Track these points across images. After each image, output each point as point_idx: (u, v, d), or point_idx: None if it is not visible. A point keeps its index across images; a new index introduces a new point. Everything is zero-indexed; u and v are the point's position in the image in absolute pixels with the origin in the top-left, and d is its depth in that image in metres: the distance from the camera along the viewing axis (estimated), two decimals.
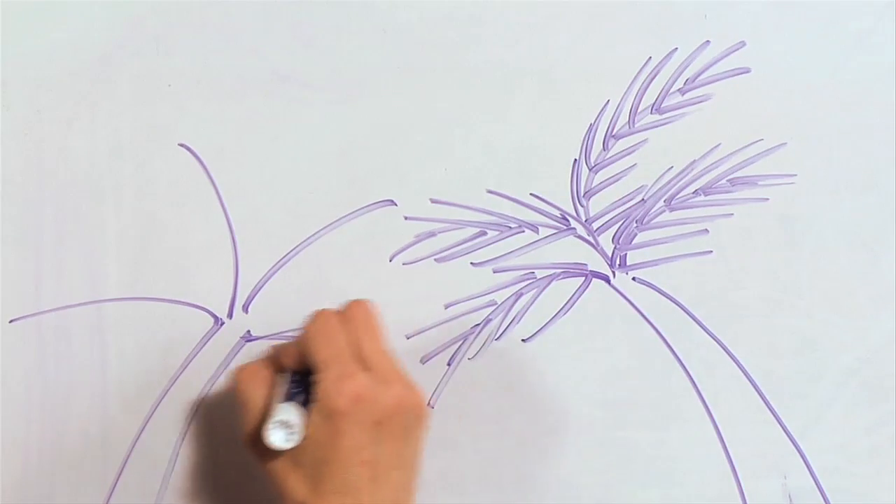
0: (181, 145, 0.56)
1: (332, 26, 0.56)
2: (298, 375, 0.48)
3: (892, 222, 0.56)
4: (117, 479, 0.55)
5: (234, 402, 0.55)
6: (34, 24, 0.56)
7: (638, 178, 0.56)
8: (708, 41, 0.56)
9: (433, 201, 0.56)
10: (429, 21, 0.56)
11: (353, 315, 0.48)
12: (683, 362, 0.55)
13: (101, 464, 0.55)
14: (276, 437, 0.45)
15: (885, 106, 0.56)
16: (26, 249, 0.56)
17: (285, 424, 0.45)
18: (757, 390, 0.55)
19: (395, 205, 0.56)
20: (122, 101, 0.56)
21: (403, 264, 0.56)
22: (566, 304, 0.56)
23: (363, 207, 0.56)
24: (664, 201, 0.56)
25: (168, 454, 0.55)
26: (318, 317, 0.48)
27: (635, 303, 0.56)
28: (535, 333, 0.56)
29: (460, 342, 0.55)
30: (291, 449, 0.45)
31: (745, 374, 0.55)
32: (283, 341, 0.55)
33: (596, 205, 0.56)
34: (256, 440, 0.46)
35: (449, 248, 0.56)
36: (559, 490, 0.55)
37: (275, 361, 0.49)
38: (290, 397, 0.47)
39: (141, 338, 0.56)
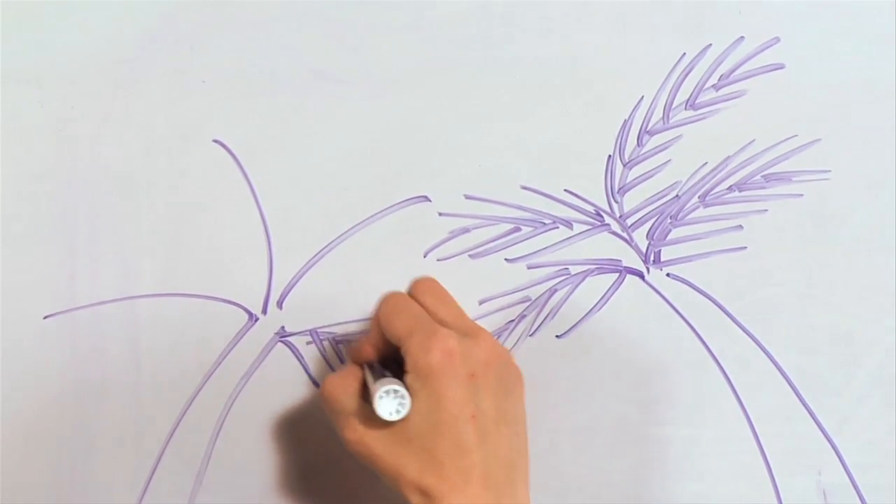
0: (215, 141, 0.56)
1: (366, 23, 0.56)
2: (381, 365, 0.48)
3: None
4: (151, 477, 0.55)
5: (268, 399, 0.55)
6: (67, 20, 0.56)
7: (672, 174, 0.56)
8: (742, 37, 0.56)
9: (467, 197, 0.56)
10: (463, 17, 0.56)
11: (421, 289, 0.49)
12: (717, 358, 0.55)
13: (135, 461, 0.55)
14: (386, 409, 0.44)
15: None
16: (60, 246, 0.56)
17: (393, 393, 0.44)
18: (791, 386, 0.55)
19: (429, 201, 0.56)
20: (156, 97, 0.56)
21: (437, 260, 0.56)
22: (600, 300, 0.56)
23: (397, 203, 0.56)
24: (698, 197, 0.56)
25: (202, 451, 0.55)
26: (388, 296, 0.49)
27: (669, 299, 0.56)
28: (570, 329, 0.56)
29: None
30: (398, 427, 0.44)
31: (779, 371, 0.55)
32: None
33: (630, 201, 0.56)
34: (360, 437, 0.46)
35: (483, 245, 0.56)
36: (592, 487, 0.55)
37: (354, 361, 0.50)
38: (382, 377, 0.46)
39: (175, 334, 0.56)
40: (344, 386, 0.48)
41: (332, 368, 0.55)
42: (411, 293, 0.49)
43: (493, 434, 0.45)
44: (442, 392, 0.44)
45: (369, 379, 0.47)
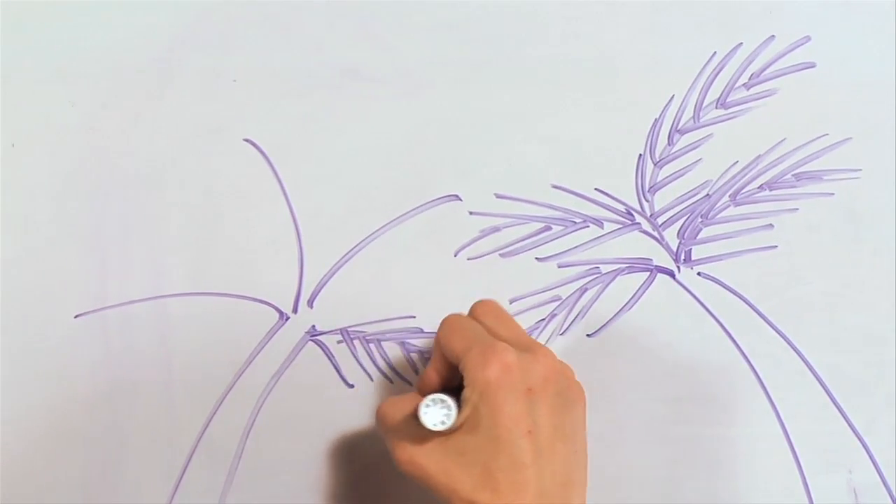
0: (246, 140, 0.56)
1: (397, 21, 0.56)
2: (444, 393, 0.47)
3: None
4: (182, 475, 0.55)
5: (299, 399, 0.55)
6: (99, 20, 0.56)
7: (703, 172, 0.56)
8: (773, 36, 0.55)
9: (498, 196, 0.56)
10: (494, 16, 0.56)
11: (481, 310, 0.48)
12: (748, 357, 0.55)
13: (167, 459, 0.56)
14: (431, 419, 0.43)
15: None
16: (91, 245, 0.56)
17: (440, 402, 0.43)
18: (822, 385, 0.55)
19: (460, 200, 0.56)
20: (187, 96, 0.56)
21: (468, 259, 0.56)
22: (631, 299, 0.56)
23: (428, 202, 0.56)
24: (729, 196, 0.56)
25: (233, 450, 0.56)
26: (448, 319, 0.48)
27: (700, 298, 0.56)
28: (600, 328, 0.56)
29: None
30: (451, 441, 0.44)
31: (809, 369, 0.55)
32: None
33: (661, 200, 0.56)
34: (412, 454, 0.45)
35: (513, 243, 0.56)
36: (622, 486, 0.55)
37: (420, 389, 0.49)
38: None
39: (205, 333, 0.56)
40: (398, 408, 0.47)
41: (362, 367, 0.56)
42: (471, 314, 0.49)
43: (549, 450, 0.45)
44: (499, 406, 0.44)
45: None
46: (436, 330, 0.54)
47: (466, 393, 0.44)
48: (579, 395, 0.47)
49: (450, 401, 0.44)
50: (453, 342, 0.46)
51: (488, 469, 0.44)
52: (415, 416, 0.45)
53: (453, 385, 0.48)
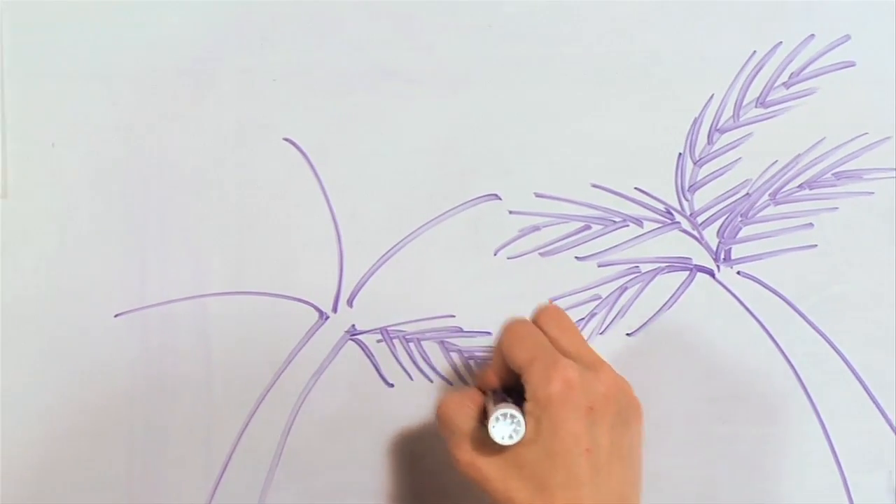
0: (286, 140, 0.56)
1: (437, 20, 0.56)
2: (503, 393, 0.48)
3: None
4: (222, 474, 0.56)
5: (339, 398, 0.55)
6: (139, 19, 0.56)
7: (742, 171, 0.56)
8: (812, 35, 0.55)
9: (537, 195, 0.56)
10: (533, 15, 0.56)
11: (545, 318, 0.49)
12: (788, 356, 0.55)
13: (206, 459, 0.56)
14: (500, 433, 0.44)
15: None
16: (131, 244, 0.56)
17: (510, 417, 0.44)
18: (861, 384, 0.55)
19: (500, 199, 0.56)
20: (227, 95, 0.56)
21: (508, 258, 0.56)
22: (671, 298, 0.56)
23: (467, 202, 0.56)
24: (769, 195, 0.56)
25: (272, 449, 0.56)
26: (511, 323, 0.49)
27: (740, 297, 0.56)
28: (640, 328, 0.56)
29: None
30: (511, 452, 0.44)
31: (849, 368, 0.55)
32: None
33: (700, 199, 0.56)
34: (472, 458, 0.46)
35: (553, 243, 0.56)
36: (662, 484, 0.55)
37: (478, 386, 0.50)
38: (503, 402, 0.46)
39: (245, 332, 0.56)
40: (461, 406, 0.48)
41: (402, 367, 0.56)
42: (534, 320, 0.49)
43: (606, 469, 0.45)
44: (560, 423, 0.44)
45: (489, 403, 0.47)
46: (478, 330, 0.55)
47: (529, 407, 0.45)
48: (637, 413, 0.48)
49: (519, 416, 0.44)
50: (516, 352, 0.47)
51: (546, 484, 0.44)
52: (481, 421, 0.46)
53: (510, 385, 0.48)
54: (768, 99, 0.56)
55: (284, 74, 0.56)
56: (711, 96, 0.56)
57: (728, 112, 0.56)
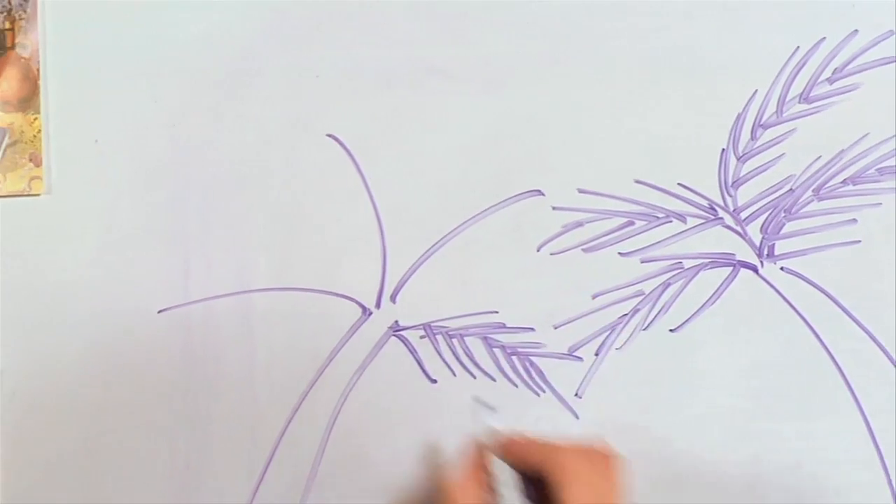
0: (329, 136, 0.56)
1: (480, 17, 0.56)
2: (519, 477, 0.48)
3: None
4: (265, 469, 0.56)
5: (382, 394, 0.55)
6: (182, 17, 0.56)
7: (786, 167, 0.56)
8: (856, 30, 0.55)
9: (581, 191, 0.56)
10: (577, 11, 0.56)
11: (603, 466, 0.47)
12: (831, 352, 0.55)
13: (249, 454, 0.56)
14: None
15: None
16: (174, 240, 0.56)
17: None
18: None
19: (543, 195, 0.56)
20: (270, 92, 0.56)
21: (551, 254, 0.56)
22: (714, 293, 0.55)
23: (511, 197, 0.56)
24: (812, 191, 0.56)
25: (316, 444, 0.56)
26: (590, 454, 0.47)
27: (783, 292, 0.55)
28: (683, 323, 0.55)
29: (608, 332, 0.55)
30: None
31: (892, 364, 0.55)
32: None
33: (744, 194, 0.56)
34: None
35: (597, 238, 0.56)
36: (705, 479, 0.55)
37: (503, 455, 0.49)
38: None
39: (288, 328, 0.56)
40: (469, 496, 0.47)
41: (445, 363, 0.55)
42: (593, 458, 0.47)
43: None
44: None
45: (505, 492, 0.47)
46: (522, 325, 0.55)
47: None
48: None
49: None
50: (575, 490, 0.45)
51: None
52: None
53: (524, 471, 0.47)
54: (812, 94, 0.56)
55: (328, 71, 0.56)
56: (755, 92, 0.56)
57: (771, 108, 0.56)
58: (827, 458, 0.55)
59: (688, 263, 0.56)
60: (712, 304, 0.55)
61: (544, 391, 0.55)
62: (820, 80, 0.56)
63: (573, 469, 0.46)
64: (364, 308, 0.56)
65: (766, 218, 0.56)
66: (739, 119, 0.55)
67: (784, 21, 0.55)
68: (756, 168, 0.56)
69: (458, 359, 0.56)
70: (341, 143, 0.56)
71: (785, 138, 0.56)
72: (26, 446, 0.56)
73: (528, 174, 0.56)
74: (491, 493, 0.47)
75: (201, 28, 0.56)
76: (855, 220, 0.55)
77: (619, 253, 0.56)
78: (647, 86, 0.56)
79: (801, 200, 0.56)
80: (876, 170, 0.55)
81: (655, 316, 0.56)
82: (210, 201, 0.56)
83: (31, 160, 0.56)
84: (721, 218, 0.56)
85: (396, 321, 0.56)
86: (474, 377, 0.56)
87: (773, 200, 0.56)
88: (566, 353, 0.55)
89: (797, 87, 0.56)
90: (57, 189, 0.56)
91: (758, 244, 0.56)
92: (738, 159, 0.56)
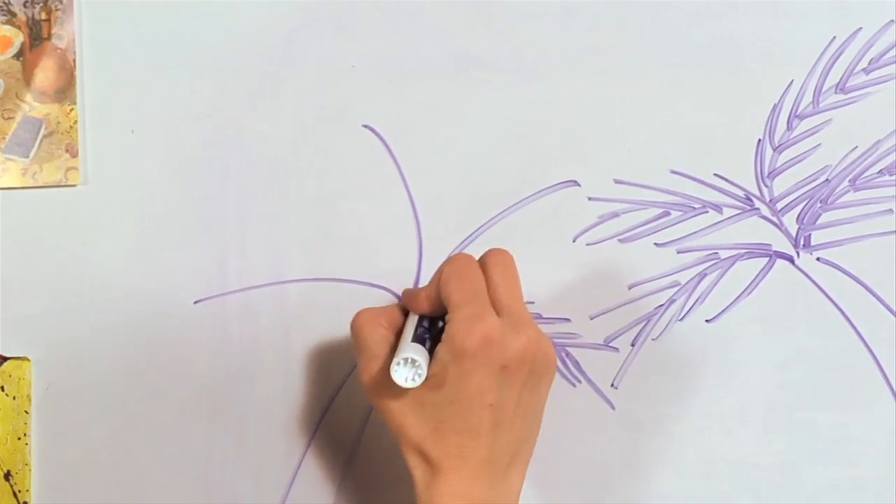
0: (365, 126, 0.56)
1: (515, 7, 0.56)
2: (429, 321, 0.48)
3: None
4: (301, 460, 0.56)
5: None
6: (218, 6, 0.56)
7: (822, 157, 0.56)
8: (892, 21, 0.55)
9: (617, 182, 0.56)
10: (612, 2, 0.56)
11: (491, 261, 0.48)
12: (868, 343, 0.55)
13: (286, 444, 0.56)
14: (401, 375, 0.44)
15: None
16: (210, 231, 0.56)
17: (412, 362, 0.44)
18: None
19: (579, 185, 0.56)
20: (306, 82, 0.56)
21: (587, 245, 0.56)
22: (750, 284, 0.55)
23: (546, 188, 0.56)
24: (849, 181, 0.55)
25: (352, 434, 0.56)
26: (457, 258, 0.48)
27: (820, 283, 0.55)
28: (719, 314, 0.55)
29: (644, 323, 0.55)
30: (414, 390, 0.45)
31: None
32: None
33: (780, 185, 0.56)
34: (376, 383, 0.46)
35: (632, 229, 0.56)
36: (740, 470, 0.55)
37: (404, 305, 0.50)
38: (418, 339, 0.46)
39: (324, 319, 0.56)
40: (376, 325, 0.48)
41: None
42: (481, 261, 0.48)
43: (507, 424, 0.46)
44: (468, 376, 0.44)
45: (405, 333, 0.47)
46: (557, 316, 0.55)
47: (441, 351, 0.45)
48: (550, 373, 0.48)
49: (421, 360, 0.44)
50: (450, 289, 0.46)
51: (442, 428, 0.45)
52: (393, 344, 0.47)
53: (438, 313, 0.47)
54: (848, 85, 0.56)
55: (363, 61, 0.56)
56: (791, 82, 0.56)
57: (808, 98, 0.56)
58: (863, 449, 0.55)
59: (724, 254, 0.56)
60: (748, 294, 0.55)
61: (580, 382, 0.55)
62: (856, 70, 0.56)
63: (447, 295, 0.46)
64: (400, 298, 0.56)
65: (803, 208, 0.56)
66: (775, 109, 0.55)
67: (820, 11, 0.55)
68: (792, 158, 0.56)
69: None
70: (377, 134, 0.56)
71: (821, 128, 0.56)
72: (62, 437, 0.56)
73: (564, 164, 0.56)
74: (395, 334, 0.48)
75: (238, 18, 0.56)
76: (891, 211, 0.55)
77: (655, 243, 0.56)
78: (683, 76, 0.56)
79: (837, 191, 0.55)
80: None
81: (692, 306, 0.56)
82: (246, 192, 0.56)
83: (67, 151, 0.56)
84: (757, 208, 0.56)
85: None
86: None
87: (809, 191, 0.56)
88: (602, 343, 0.55)
89: (833, 78, 0.56)
90: (93, 180, 0.56)
91: (794, 235, 0.56)
92: (774, 150, 0.56)
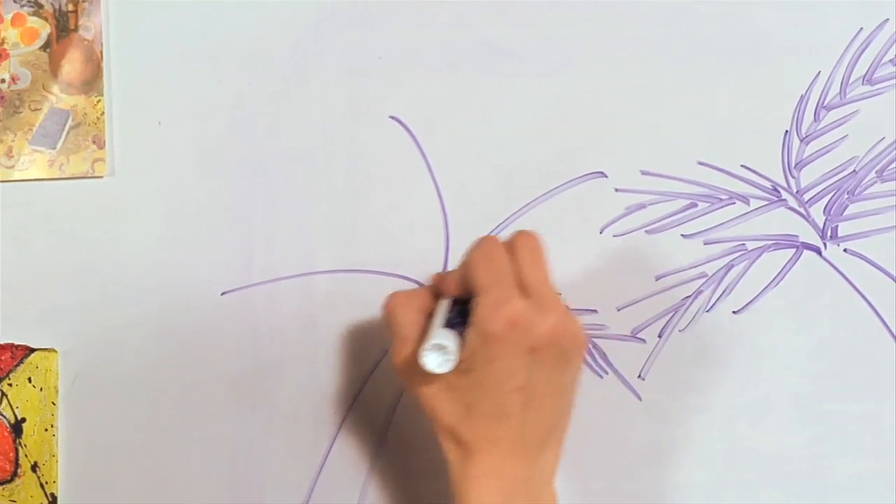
0: (392, 118, 0.56)
1: None
2: (460, 304, 0.48)
3: None
4: (329, 451, 0.56)
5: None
6: None
7: (849, 148, 0.55)
8: None
9: (643, 173, 0.56)
10: None
11: (518, 243, 0.48)
12: (895, 334, 0.55)
13: (312, 436, 0.56)
14: (432, 361, 0.44)
15: None
16: (238, 223, 0.56)
17: (441, 348, 0.44)
18: None
19: (606, 177, 0.56)
20: (333, 73, 0.56)
21: (614, 236, 0.56)
22: (777, 275, 0.55)
23: (573, 179, 0.56)
24: (876, 172, 0.55)
25: (379, 426, 0.56)
26: (483, 241, 0.48)
27: (847, 274, 0.55)
28: (746, 305, 0.55)
29: (671, 314, 0.55)
30: (446, 374, 0.45)
31: None
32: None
33: (807, 176, 0.56)
34: (408, 366, 0.46)
35: (659, 220, 0.56)
36: (768, 461, 0.55)
37: (435, 288, 0.50)
38: (449, 324, 0.46)
39: (351, 310, 0.56)
40: (408, 308, 0.48)
41: None
42: (509, 242, 0.48)
43: (537, 405, 0.45)
44: (496, 360, 0.44)
45: (435, 318, 0.47)
46: (585, 307, 0.55)
47: (470, 335, 0.45)
48: (580, 353, 0.47)
49: (450, 346, 0.44)
50: (478, 272, 0.46)
51: (473, 411, 0.45)
52: (425, 327, 0.46)
53: (467, 296, 0.47)
54: (875, 76, 0.55)
55: (390, 53, 0.56)
56: (818, 73, 0.55)
57: (835, 89, 0.56)
58: (891, 439, 0.55)
59: (751, 245, 0.56)
60: (775, 285, 0.55)
61: (607, 373, 0.55)
62: (883, 61, 0.55)
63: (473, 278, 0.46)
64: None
65: (830, 199, 0.55)
66: (802, 100, 0.55)
67: (847, 2, 0.55)
68: (819, 150, 0.56)
69: None
70: (404, 126, 0.56)
71: (848, 120, 0.55)
72: (88, 429, 0.56)
73: (590, 156, 0.56)
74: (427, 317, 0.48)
75: (265, 9, 0.56)
76: None
77: (682, 235, 0.56)
78: (709, 67, 0.56)
79: (864, 182, 0.55)
80: None
81: (718, 298, 0.56)
82: (273, 183, 0.56)
83: (94, 142, 0.56)
84: (784, 200, 0.56)
85: None
86: None
87: (836, 182, 0.56)
88: (629, 334, 0.55)
89: (860, 69, 0.56)
90: (120, 171, 0.56)
91: (821, 226, 0.56)
92: (801, 141, 0.56)
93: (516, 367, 0.44)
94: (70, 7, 0.56)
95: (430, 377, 0.45)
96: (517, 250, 0.47)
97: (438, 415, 0.46)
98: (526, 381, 0.45)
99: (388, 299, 0.49)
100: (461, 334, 0.46)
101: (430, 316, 0.48)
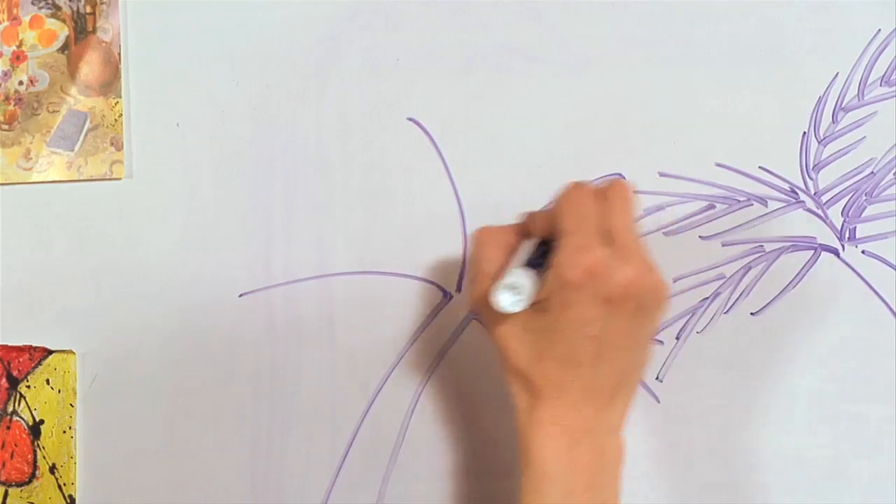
0: (410, 119, 0.56)
1: (561, 0, 0.56)
2: (545, 245, 0.47)
3: None
4: (346, 453, 0.56)
5: (462, 378, 0.55)
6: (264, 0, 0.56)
7: (867, 150, 0.56)
8: None
9: (661, 175, 0.56)
10: None
11: (609, 191, 0.47)
12: None
13: (330, 437, 0.56)
14: (503, 300, 0.44)
15: None
16: (255, 224, 0.56)
17: (514, 288, 0.44)
18: None
19: (624, 178, 0.56)
20: (351, 75, 0.56)
21: None
22: (795, 277, 0.55)
23: (591, 181, 0.56)
24: (894, 174, 0.55)
25: (396, 429, 0.56)
26: (573, 187, 0.47)
27: (865, 276, 0.55)
28: (764, 307, 0.55)
29: (689, 315, 0.55)
30: (521, 314, 0.44)
31: None
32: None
33: (825, 178, 0.56)
34: (484, 303, 0.46)
35: (677, 222, 0.56)
36: (787, 463, 0.55)
37: (523, 227, 0.49)
38: (530, 263, 0.46)
39: (369, 312, 0.56)
40: (491, 244, 0.48)
41: None
42: (601, 190, 0.47)
43: (610, 354, 0.45)
44: (571, 307, 0.44)
45: (516, 257, 0.47)
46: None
47: (550, 277, 0.44)
48: (660, 305, 0.46)
49: (524, 286, 0.44)
50: (563, 216, 0.46)
51: (544, 354, 0.45)
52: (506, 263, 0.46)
53: (554, 238, 0.47)
54: (893, 77, 0.56)
55: (408, 54, 0.56)
56: (836, 75, 0.56)
57: (853, 91, 0.56)
58: None
59: (769, 247, 0.56)
60: (793, 287, 0.55)
61: None
62: None
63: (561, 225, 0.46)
64: (445, 292, 0.56)
65: (848, 201, 0.55)
66: (820, 102, 0.55)
67: (865, 4, 0.55)
68: (837, 151, 0.56)
69: None
70: (422, 127, 0.56)
71: (866, 121, 0.56)
72: (107, 430, 0.56)
73: (608, 157, 0.56)
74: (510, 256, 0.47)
75: (283, 11, 0.56)
76: None
77: (700, 236, 0.56)
78: (728, 69, 0.56)
79: (882, 183, 0.55)
80: None
81: (737, 299, 0.56)
82: (291, 185, 0.56)
83: (112, 144, 0.56)
84: (802, 201, 0.56)
85: None
86: None
87: (854, 184, 0.56)
88: None
89: (878, 70, 0.56)
90: (138, 173, 0.56)
91: (839, 227, 0.56)
92: (819, 142, 0.56)
93: (591, 315, 0.44)
94: (88, 9, 0.56)
95: (504, 316, 0.45)
96: (607, 198, 0.47)
97: (510, 355, 0.46)
98: (600, 330, 0.44)
99: (478, 232, 0.49)
100: (541, 275, 0.45)
101: (513, 254, 0.47)
